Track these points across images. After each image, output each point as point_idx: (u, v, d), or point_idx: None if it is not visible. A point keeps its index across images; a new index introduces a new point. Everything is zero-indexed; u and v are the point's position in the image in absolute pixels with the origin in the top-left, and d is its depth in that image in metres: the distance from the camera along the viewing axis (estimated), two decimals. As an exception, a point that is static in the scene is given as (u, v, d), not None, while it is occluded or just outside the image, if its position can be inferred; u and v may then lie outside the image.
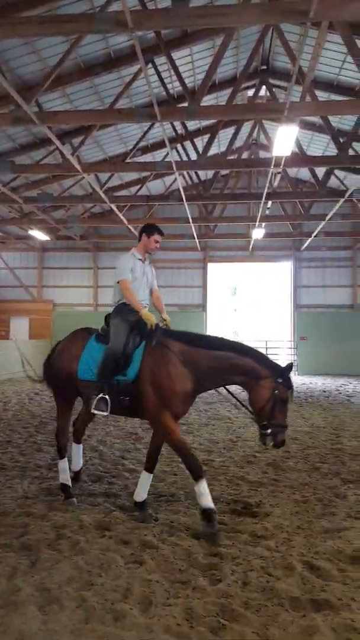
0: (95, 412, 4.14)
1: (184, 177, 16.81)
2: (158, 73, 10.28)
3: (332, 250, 22.04)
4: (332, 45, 11.28)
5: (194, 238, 18.85)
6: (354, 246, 21.76)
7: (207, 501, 3.71)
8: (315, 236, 19.01)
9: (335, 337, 21.46)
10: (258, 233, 18.07)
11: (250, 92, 14.08)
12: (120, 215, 15.54)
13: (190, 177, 17.07)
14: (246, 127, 16.69)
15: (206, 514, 3.69)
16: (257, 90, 13.47)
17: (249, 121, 15.53)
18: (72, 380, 4.43)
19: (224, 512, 4.21)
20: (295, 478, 5.26)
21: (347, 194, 14.36)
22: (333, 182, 17.68)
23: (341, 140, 12.80)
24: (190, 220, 16.33)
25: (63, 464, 4.59)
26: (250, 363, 4.02)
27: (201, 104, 8.35)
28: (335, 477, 5.29)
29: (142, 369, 4.07)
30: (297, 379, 18.86)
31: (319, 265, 22.45)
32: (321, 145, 17.19)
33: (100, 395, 4.09)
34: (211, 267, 23.25)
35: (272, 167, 12.33)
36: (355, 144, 14.93)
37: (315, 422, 8.95)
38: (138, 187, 17.04)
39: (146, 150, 15.28)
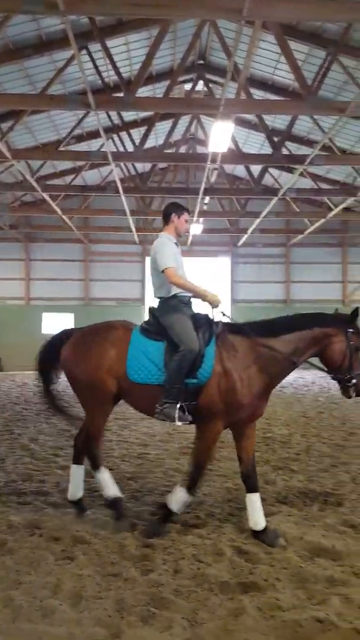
0: (179, 422, 3.59)
1: (121, 169, 16.61)
2: (93, 60, 10.06)
3: (267, 247, 22.69)
4: (268, 44, 11.53)
5: (132, 231, 18.73)
6: (287, 243, 22.52)
7: (179, 508, 3.61)
8: (251, 233, 19.48)
9: (269, 331, 22.11)
10: (196, 228, 18.26)
11: (188, 86, 14.13)
12: (54, 204, 15.11)
13: (128, 169, 16.92)
14: (184, 121, 16.77)
15: (166, 513, 3.63)
16: (194, 85, 13.53)
17: (186, 115, 15.60)
18: (114, 381, 3.78)
19: (156, 502, 4.24)
20: (228, 467, 5.39)
21: (281, 193, 14.82)
22: (268, 180, 18.19)
23: (275, 139, 13.19)
24: (128, 213, 16.19)
25: (103, 474, 3.89)
26: (318, 331, 3.74)
27: (137, 95, 8.28)
28: (265, 465, 5.48)
29: (215, 370, 3.62)
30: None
31: (254, 261, 23.04)
32: (257, 143, 17.61)
33: (177, 402, 3.56)
34: (149, 260, 23.26)
35: (209, 162, 12.49)
36: (289, 144, 15.44)
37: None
38: (73, 176, 16.66)
39: (81, 138, 14.93)
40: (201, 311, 3.92)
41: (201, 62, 13.66)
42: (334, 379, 3.90)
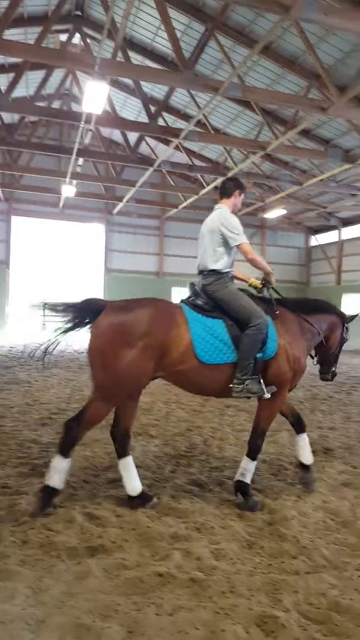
0: (268, 395, 3.59)
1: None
2: None
3: (142, 218, 22.74)
4: (150, 9, 11.27)
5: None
6: (162, 216, 22.81)
7: (248, 478, 3.71)
8: (126, 202, 19.31)
9: (141, 301, 22.43)
10: (69, 190, 17.54)
11: (65, 37, 13.28)
12: None
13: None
14: (59, 74, 15.79)
15: (241, 485, 3.68)
16: (71, 37, 12.79)
17: (61, 69, 14.70)
18: (177, 365, 3.46)
19: (9, 475, 4.11)
20: (88, 435, 5.38)
21: (156, 164, 14.85)
22: (145, 149, 18.06)
23: (152, 108, 13.08)
24: (-7, 167, 14.93)
25: (64, 462, 3.41)
26: (334, 318, 4.31)
27: (4, 37, 7.55)
28: (125, 432, 5.61)
29: (279, 343, 3.71)
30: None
31: (129, 231, 22.99)
32: (134, 110, 17.33)
33: (256, 376, 3.56)
34: (16, 220, 21.82)
35: (82, 122, 11.98)
36: (166, 115, 15.45)
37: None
38: None
39: None
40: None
41: (78, 13, 12.89)
42: (319, 362, 4.45)
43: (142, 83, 12.89)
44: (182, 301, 3.85)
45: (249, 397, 3.67)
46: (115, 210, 21.41)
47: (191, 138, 12.75)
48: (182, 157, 17.66)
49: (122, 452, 3.63)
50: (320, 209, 19.76)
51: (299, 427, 4.16)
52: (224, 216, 3.84)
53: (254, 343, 3.56)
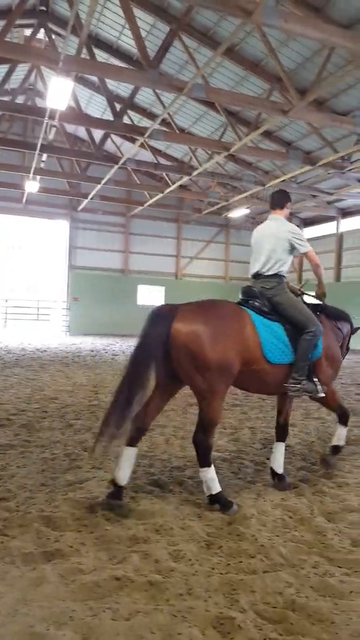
0: (322, 394, 4.04)
1: None
2: None
3: (107, 215, 22.54)
4: (115, 7, 11.17)
5: None
6: (127, 213, 22.68)
7: (342, 441, 4.54)
8: (91, 198, 19.10)
9: (106, 300, 22.30)
10: (32, 186, 17.22)
11: (29, 32, 13.00)
12: None
13: None
14: (23, 69, 15.47)
15: (337, 449, 4.56)
16: (35, 32, 12.54)
17: (25, 63, 14.38)
18: (250, 364, 3.69)
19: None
20: (47, 437, 5.32)
21: (121, 161, 14.75)
22: (110, 147, 17.93)
23: (118, 106, 12.99)
24: None
25: (212, 473, 3.62)
26: (349, 326, 4.81)
27: None
28: (87, 432, 5.55)
29: (323, 346, 4.12)
30: (68, 340, 19.04)
31: (94, 228, 22.74)
32: (100, 107, 17.15)
33: (310, 377, 3.97)
34: (-22, 216, 21.25)
35: (47, 118, 11.78)
36: (132, 113, 15.36)
37: (78, 381, 9.21)
38: None
39: None
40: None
41: (43, 8, 12.66)
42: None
43: (108, 81, 12.77)
44: (239, 303, 4.06)
45: (304, 395, 4.06)
46: (80, 207, 21.14)
47: (156, 137, 12.73)
48: (147, 156, 17.60)
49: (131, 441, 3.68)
50: (283, 210, 20.06)
51: (281, 434, 4.29)
52: (290, 226, 4.20)
53: (310, 347, 3.93)
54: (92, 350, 15.04)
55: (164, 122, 15.09)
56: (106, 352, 14.69)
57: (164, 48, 9.84)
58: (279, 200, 4.36)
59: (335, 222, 20.84)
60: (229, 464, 4.68)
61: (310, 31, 7.38)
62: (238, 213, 20.81)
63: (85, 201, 19.90)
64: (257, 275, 4.21)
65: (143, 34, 11.89)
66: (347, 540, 3.20)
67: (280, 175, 15.66)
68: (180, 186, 19.32)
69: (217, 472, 4.26)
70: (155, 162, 16.60)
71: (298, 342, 3.90)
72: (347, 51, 8.95)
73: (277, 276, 4.12)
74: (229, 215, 21.39)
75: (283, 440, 4.25)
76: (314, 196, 17.92)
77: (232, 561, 2.90)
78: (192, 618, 2.34)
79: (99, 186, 17.48)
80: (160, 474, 4.29)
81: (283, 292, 4.09)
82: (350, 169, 13.82)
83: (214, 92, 10.15)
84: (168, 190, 17.89)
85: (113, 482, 3.57)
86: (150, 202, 19.85)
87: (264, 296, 4.04)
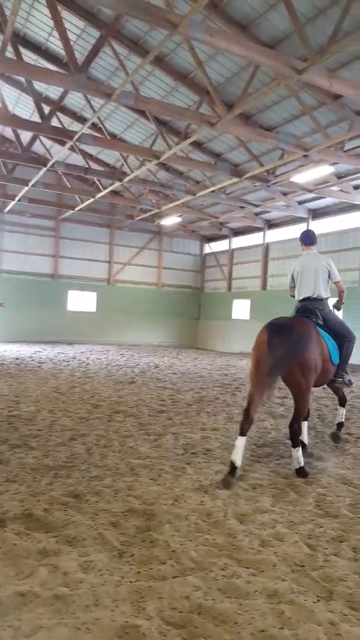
0: (353, 385, 5.54)
1: None
2: None
3: (36, 218, 21.95)
4: (44, 8, 10.94)
5: None
6: (58, 217, 22.20)
7: (343, 418, 5.94)
8: (18, 200, 18.52)
9: (35, 305, 21.65)
10: None
11: None
12: None
13: None
14: None
15: (341, 425, 5.94)
16: None
17: None
18: (324, 365, 4.89)
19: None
20: None
21: (49, 164, 14.45)
22: (40, 148, 17.51)
23: (47, 108, 12.72)
24: None
25: (300, 451, 4.73)
26: None
27: None
28: (3, 444, 5.34)
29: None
30: (-8, 347, 18.25)
31: (22, 231, 22.03)
32: (29, 108, 16.71)
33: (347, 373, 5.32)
34: None
35: (-32, 116, 11.28)
36: (61, 116, 15.10)
37: (-1, 391, 8.85)
38: None
39: None
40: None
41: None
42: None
43: (36, 82, 12.47)
44: (301, 317, 5.15)
45: (345, 386, 5.41)
46: (7, 209, 20.41)
47: (85, 141, 12.59)
48: (78, 159, 17.36)
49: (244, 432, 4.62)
50: (212, 219, 20.55)
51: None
52: (327, 259, 5.41)
53: (350, 350, 5.28)
54: (18, 358, 14.53)
55: (95, 127, 14.98)
56: (32, 360, 14.24)
57: (94, 53, 9.77)
58: (312, 238, 5.52)
59: (262, 233, 21.62)
60: (149, 470, 4.68)
61: (234, 47, 7.64)
62: (170, 221, 21.03)
63: (12, 203, 19.27)
64: (306, 299, 5.33)
65: (73, 37, 11.78)
66: (256, 541, 3.31)
67: (210, 186, 16.02)
68: (113, 192, 19.23)
69: (136, 480, 4.28)
70: (86, 166, 16.41)
71: (342, 347, 5.19)
72: (271, 69, 9.35)
73: (324, 298, 5.33)
74: (161, 223, 21.56)
75: (343, 405, 5.91)
76: (242, 207, 18.49)
77: (143, 568, 2.90)
78: (96, 629, 2.32)
79: (26, 188, 17.00)
80: (77, 484, 4.21)
81: (327, 309, 5.35)
82: (274, 183, 14.41)
83: (144, 101, 10.22)
84: (99, 195, 17.74)
85: (232, 463, 4.44)
86: (81, 206, 19.58)
87: (316, 313, 5.20)
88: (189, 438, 5.97)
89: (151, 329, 24.12)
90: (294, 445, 4.69)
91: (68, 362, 14.18)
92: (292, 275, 5.53)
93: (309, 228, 6.31)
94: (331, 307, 5.56)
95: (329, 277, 5.36)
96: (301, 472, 4.64)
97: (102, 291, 23.38)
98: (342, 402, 5.97)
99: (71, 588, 2.64)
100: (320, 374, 4.88)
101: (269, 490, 4.28)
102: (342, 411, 5.94)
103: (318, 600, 2.65)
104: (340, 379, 5.27)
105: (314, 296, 5.27)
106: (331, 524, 3.63)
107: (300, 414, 4.75)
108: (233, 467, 4.42)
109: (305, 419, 5.43)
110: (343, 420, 5.96)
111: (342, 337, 5.20)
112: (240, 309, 22.84)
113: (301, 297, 5.37)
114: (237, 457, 4.45)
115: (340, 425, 5.93)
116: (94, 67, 12.76)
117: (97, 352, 18.04)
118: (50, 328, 21.61)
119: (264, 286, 21.44)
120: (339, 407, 6.00)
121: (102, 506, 3.77)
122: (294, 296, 5.60)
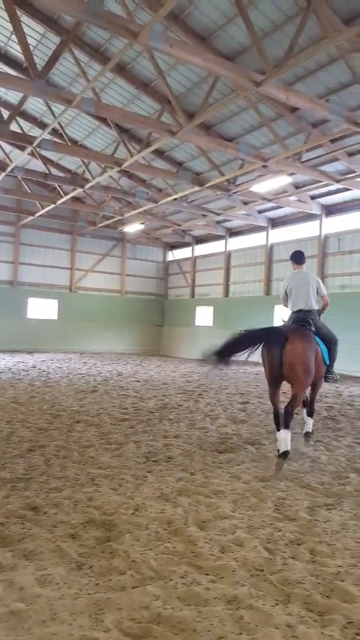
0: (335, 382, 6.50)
1: None
2: None
3: (-5, 224, 21.46)
4: (3, 12, 10.79)
5: None
6: (18, 223, 21.78)
7: (311, 427, 6.41)
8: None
9: (-8, 313, 21.10)
10: None
11: None
12: None
13: None
14: None
15: (308, 434, 6.31)
16: None
17: None
18: (318, 364, 5.69)
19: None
20: None
21: (9, 169, 14.20)
22: (-2, 153, 17.15)
23: (4, 112, 12.50)
24: None
25: (289, 434, 5.29)
26: None
27: None
28: None
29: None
30: None
31: (-20, 236, 21.48)
32: (-14, 111, 16.34)
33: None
34: None
35: None
36: (21, 121, 14.89)
37: None
38: None
39: None
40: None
41: None
42: None
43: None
44: (299, 325, 5.85)
45: (334, 382, 6.37)
46: (-36, 215, 19.88)
47: (46, 147, 12.45)
48: (39, 165, 17.12)
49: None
50: (175, 226, 20.68)
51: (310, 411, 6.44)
52: (316, 277, 6.30)
53: (337, 351, 6.09)
54: (-24, 367, 14.10)
55: (56, 132, 14.84)
56: (-9, 369, 13.85)
57: (54, 59, 9.70)
58: (302, 259, 6.32)
59: (224, 241, 21.90)
60: (110, 480, 4.63)
61: (194, 59, 7.76)
62: (133, 228, 21.00)
63: (-29, 208, 18.79)
64: (300, 311, 6.03)
65: (33, 42, 11.65)
66: (216, 547, 3.33)
67: (172, 194, 16.12)
68: (74, 198, 19.05)
69: (96, 490, 4.24)
70: (47, 172, 16.21)
71: (330, 349, 5.97)
72: (231, 80, 9.54)
73: (315, 310, 6.11)
74: (124, 230, 21.50)
75: (311, 416, 6.39)
76: (204, 215, 18.69)
77: (102, 580, 2.86)
78: (53, 645, 2.27)
79: (-15, 193, 16.62)
80: (35, 497, 4.11)
81: (318, 319, 6.11)
82: (235, 192, 14.65)
83: (105, 108, 10.21)
84: (60, 201, 17.55)
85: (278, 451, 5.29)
86: (42, 212, 19.30)
87: (309, 322, 5.87)
88: (151, 446, 5.95)
89: (114, 337, 23.93)
90: (285, 427, 5.24)
91: (28, 371, 13.87)
92: (286, 290, 6.28)
93: (298, 249, 6.72)
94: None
95: (318, 290, 6.17)
96: (284, 455, 5.19)
97: (63, 298, 23.04)
98: (311, 413, 6.43)
99: (27, 603, 2.58)
100: (316, 373, 5.68)
101: (230, 495, 4.32)
102: (310, 422, 6.39)
103: (276, 604, 2.68)
104: (331, 375, 6.17)
105: (306, 308, 6.03)
106: (290, 527, 3.69)
107: (297, 404, 5.51)
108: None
109: (312, 416, 6.42)
110: (311, 430, 6.38)
111: (329, 341, 5.98)
112: (204, 315, 23.01)
113: (296, 309, 6.10)
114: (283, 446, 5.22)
115: (307, 434, 6.34)
116: (55, 72, 12.67)
117: (59, 360, 17.74)
118: (9, 336, 21.08)
119: (226, 293, 21.69)
120: (306, 417, 6.41)
121: (60, 518, 3.70)
122: (286, 306, 6.41)
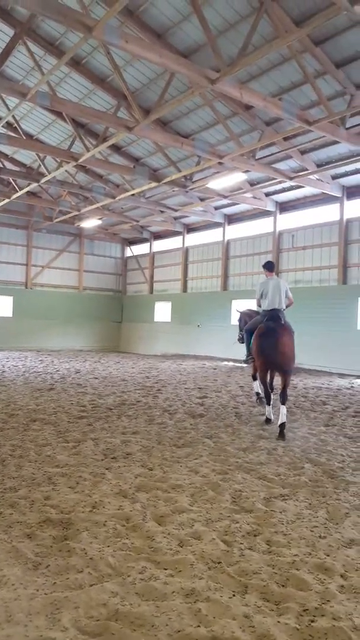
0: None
1: None
2: None
3: None
4: None
5: None
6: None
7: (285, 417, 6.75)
8: None
9: None
10: None
11: None
12: None
13: None
14: None
15: (283, 425, 6.59)
16: None
17: None
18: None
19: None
20: None
21: None
22: None
23: None
24: None
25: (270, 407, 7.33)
26: None
27: None
28: None
29: None
30: None
31: None
32: None
33: None
34: None
35: None
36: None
37: None
38: None
39: None
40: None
41: None
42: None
43: None
44: (278, 321, 7.07)
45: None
46: None
47: (0, 140, 12.09)
48: (-9, 159, 16.60)
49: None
50: (133, 222, 20.57)
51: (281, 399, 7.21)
52: (284, 282, 7.52)
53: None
54: None
55: (10, 126, 14.43)
56: None
57: (7, 52, 9.42)
58: (273, 267, 7.74)
59: (181, 237, 21.98)
60: (67, 478, 4.59)
61: (149, 55, 7.73)
62: (91, 223, 20.74)
63: None
64: (273, 309, 7.25)
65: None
66: (174, 541, 3.37)
67: (130, 189, 16.03)
68: (30, 193, 18.60)
69: (53, 489, 4.19)
70: (1, 166, 15.74)
71: None
72: (186, 77, 9.57)
73: (283, 309, 7.37)
74: (81, 225, 21.19)
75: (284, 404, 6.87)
76: (162, 211, 18.68)
77: (59, 579, 2.84)
78: (8, 647, 2.24)
79: None
80: (-11, 498, 4.03)
81: (284, 316, 7.27)
82: (192, 188, 14.72)
83: (60, 102, 10.02)
84: (15, 195, 17.10)
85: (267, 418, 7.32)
86: (-5, 207, 18.74)
87: (282, 318, 7.13)
88: (109, 443, 5.93)
89: (72, 334, 23.60)
90: (283, 402, 6.64)
91: (-18, 370, 13.47)
92: (261, 293, 7.49)
93: (270, 260, 8.92)
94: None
95: (286, 294, 7.50)
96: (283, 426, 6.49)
97: (19, 295, 22.50)
98: (285, 399, 6.86)
99: (-19, 607, 2.53)
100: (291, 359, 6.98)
101: (188, 489, 4.37)
102: (284, 410, 6.69)
103: (233, 595, 2.74)
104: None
105: (277, 307, 7.33)
106: (246, 518, 3.78)
107: (287, 386, 6.78)
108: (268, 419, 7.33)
109: (283, 403, 6.80)
110: (285, 420, 6.67)
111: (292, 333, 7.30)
112: (162, 311, 23.04)
113: (270, 308, 7.34)
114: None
115: (282, 425, 6.57)
116: (8, 65, 12.32)
117: (14, 359, 17.33)
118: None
119: (184, 289, 21.79)
120: (282, 405, 6.70)
121: (16, 518, 3.64)
122: (259, 306, 7.66)
